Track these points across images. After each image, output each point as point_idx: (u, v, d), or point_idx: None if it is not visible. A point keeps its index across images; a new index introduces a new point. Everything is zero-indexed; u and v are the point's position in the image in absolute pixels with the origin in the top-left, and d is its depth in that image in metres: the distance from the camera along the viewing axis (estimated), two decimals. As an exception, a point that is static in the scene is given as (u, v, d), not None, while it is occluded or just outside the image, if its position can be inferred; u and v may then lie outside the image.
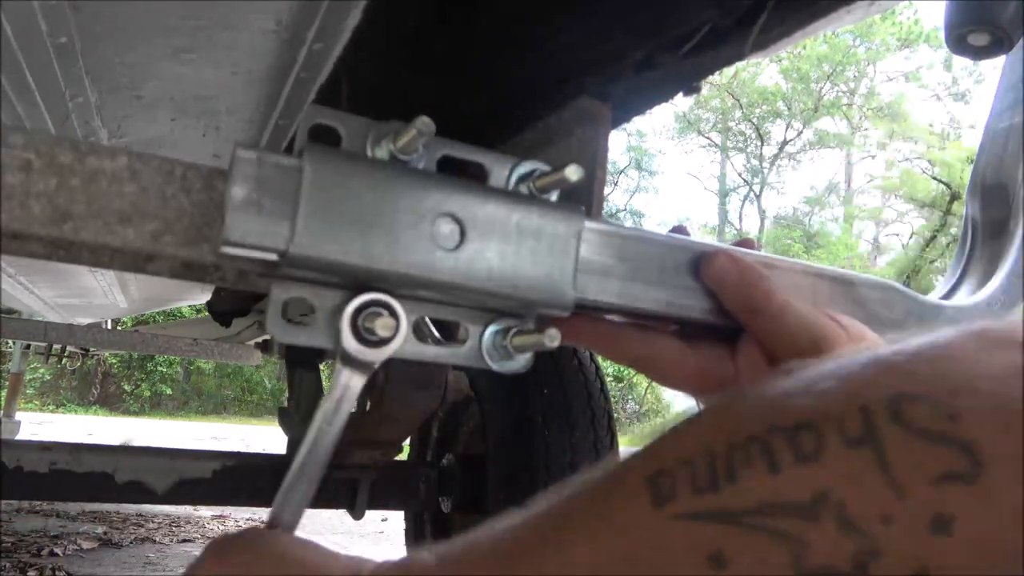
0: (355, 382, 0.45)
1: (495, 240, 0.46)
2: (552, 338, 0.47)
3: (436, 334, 0.51)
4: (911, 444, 0.27)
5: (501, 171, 0.51)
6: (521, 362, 0.51)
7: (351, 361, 0.44)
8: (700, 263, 0.52)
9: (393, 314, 0.44)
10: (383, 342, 0.44)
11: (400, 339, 0.44)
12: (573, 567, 0.29)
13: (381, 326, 0.43)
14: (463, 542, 0.33)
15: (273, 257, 0.42)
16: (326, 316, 0.45)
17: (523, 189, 0.51)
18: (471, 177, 0.48)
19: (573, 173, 0.48)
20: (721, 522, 0.27)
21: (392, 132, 0.46)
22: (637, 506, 0.29)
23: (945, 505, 0.26)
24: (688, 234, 0.57)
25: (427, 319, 0.50)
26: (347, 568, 0.37)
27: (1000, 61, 1.15)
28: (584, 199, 0.54)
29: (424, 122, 0.44)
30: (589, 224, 0.50)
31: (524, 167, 0.51)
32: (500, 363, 0.51)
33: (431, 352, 0.49)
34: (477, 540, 0.33)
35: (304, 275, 0.44)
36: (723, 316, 0.53)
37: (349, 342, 0.43)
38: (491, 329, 0.51)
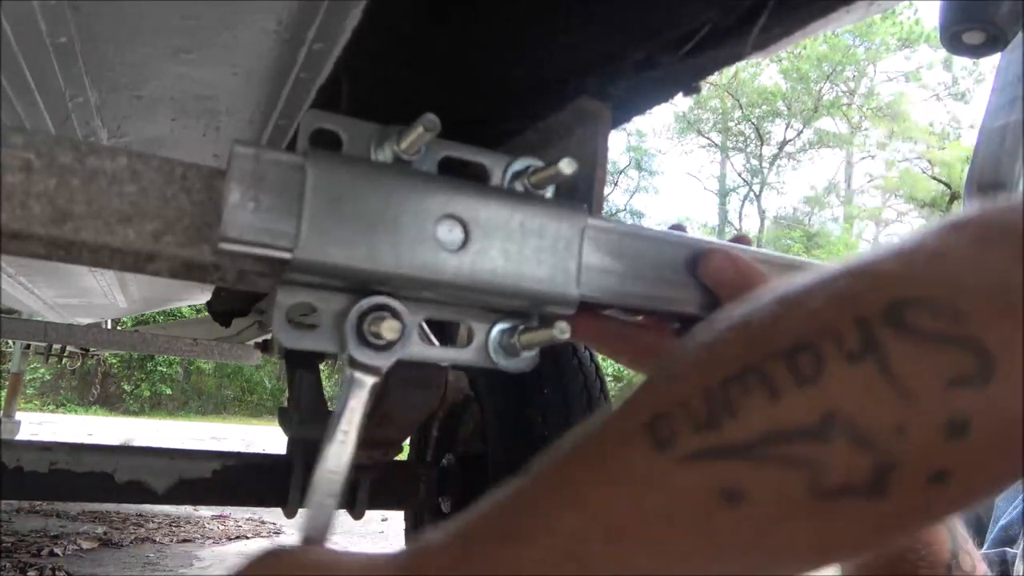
0: (365, 386, 0.44)
1: (499, 240, 0.46)
2: (562, 331, 0.48)
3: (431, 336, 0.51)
4: (916, 350, 0.26)
5: (499, 169, 0.51)
6: (528, 359, 0.51)
7: (359, 366, 0.44)
8: (697, 261, 0.53)
9: (397, 317, 0.44)
10: (389, 345, 0.44)
11: (406, 342, 0.44)
12: (585, 521, 0.29)
13: (387, 329, 0.43)
14: (471, 518, 0.33)
15: (273, 254, 0.42)
16: (331, 320, 0.45)
17: (519, 186, 0.51)
18: (467, 176, 0.48)
19: (567, 167, 0.48)
20: (728, 458, 0.27)
21: (395, 134, 0.46)
22: (639, 453, 0.29)
23: (958, 408, 0.25)
24: (685, 231, 0.57)
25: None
26: (362, 566, 0.36)
27: (997, 59, 1.16)
28: (584, 199, 0.55)
29: (429, 119, 0.44)
30: (591, 221, 0.50)
31: (519, 164, 0.51)
32: (507, 361, 0.51)
33: (438, 353, 0.49)
34: (484, 515, 0.32)
35: (309, 280, 0.44)
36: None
37: (355, 347, 0.43)
38: (498, 328, 0.51)
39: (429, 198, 0.45)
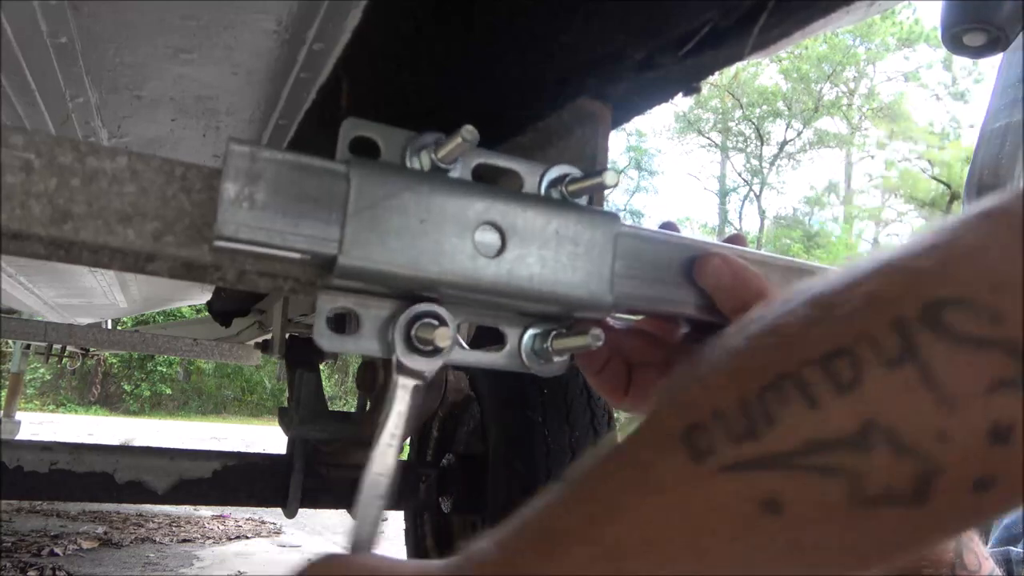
0: (409, 389, 0.45)
1: (535, 246, 0.47)
2: (597, 338, 0.48)
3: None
4: (955, 353, 0.25)
5: (533, 178, 0.51)
6: (560, 364, 0.52)
7: (405, 370, 0.45)
8: (695, 265, 0.53)
9: (444, 323, 0.44)
10: (437, 351, 0.44)
11: (453, 347, 0.45)
12: (625, 531, 0.29)
13: (440, 336, 0.43)
14: (515, 524, 0.33)
15: (273, 252, 0.42)
16: (374, 325, 0.45)
17: (554, 194, 0.51)
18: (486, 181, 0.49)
19: (611, 179, 0.49)
20: (768, 468, 0.27)
21: (431, 142, 0.46)
22: (677, 465, 0.29)
23: (1001, 414, 0.25)
24: (678, 230, 0.57)
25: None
26: (414, 573, 0.36)
27: (998, 60, 1.15)
28: (585, 199, 0.55)
29: (468, 131, 0.44)
30: (623, 228, 0.50)
31: (555, 172, 0.52)
32: (540, 366, 0.51)
33: (474, 358, 0.50)
34: (526, 517, 0.33)
35: (352, 285, 0.44)
36: None
37: (403, 353, 0.44)
38: (530, 332, 0.51)
39: (468, 205, 0.45)
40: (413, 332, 0.44)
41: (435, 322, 0.45)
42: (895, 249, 0.29)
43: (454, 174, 0.48)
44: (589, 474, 0.32)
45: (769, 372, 0.28)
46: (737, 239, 0.58)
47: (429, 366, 0.45)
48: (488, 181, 0.50)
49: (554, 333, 0.51)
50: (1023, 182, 1.05)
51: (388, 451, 0.44)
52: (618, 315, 0.57)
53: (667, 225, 0.58)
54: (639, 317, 0.60)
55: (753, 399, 0.28)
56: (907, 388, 0.25)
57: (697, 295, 0.53)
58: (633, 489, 0.30)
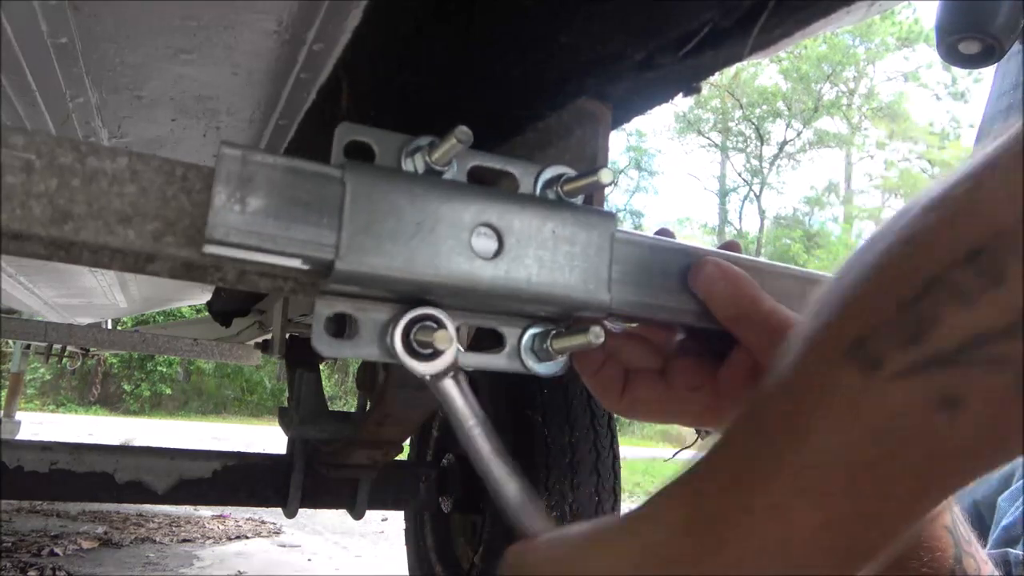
0: (449, 383, 0.45)
1: (532, 248, 0.47)
2: (597, 336, 0.48)
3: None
4: None
5: (529, 178, 0.51)
6: (560, 364, 0.52)
7: (413, 371, 0.45)
8: (689, 271, 0.53)
9: (443, 327, 0.44)
10: (437, 354, 0.44)
11: (453, 350, 0.45)
12: (812, 455, 0.29)
13: (439, 339, 0.43)
14: (698, 463, 0.34)
15: (264, 258, 0.42)
16: (372, 330, 0.46)
17: (550, 194, 0.51)
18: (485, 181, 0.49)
19: (606, 177, 0.49)
20: (939, 367, 0.28)
21: (425, 145, 0.46)
22: (852, 379, 0.29)
23: None
24: (673, 236, 0.57)
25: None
26: (602, 533, 0.36)
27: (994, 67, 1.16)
28: (585, 200, 0.55)
29: (462, 131, 0.44)
30: (619, 230, 0.50)
31: (550, 172, 0.52)
32: (540, 366, 0.51)
33: (473, 360, 0.50)
34: (708, 459, 0.33)
35: (349, 290, 0.44)
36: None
37: (404, 357, 0.44)
38: (530, 333, 0.51)
39: (464, 207, 0.45)
40: (412, 336, 0.44)
41: (434, 325, 0.45)
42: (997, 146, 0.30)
43: (449, 176, 0.48)
44: (760, 405, 0.33)
45: (918, 277, 0.29)
46: (732, 246, 0.58)
47: (427, 369, 0.45)
48: (485, 183, 0.50)
49: (553, 333, 0.51)
50: None
51: (479, 439, 0.45)
52: (614, 320, 0.57)
53: (663, 232, 0.58)
54: (634, 324, 0.60)
55: (909, 305, 0.29)
56: None
57: (691, 301, 0.53)
58: (812, 413, 0.30)
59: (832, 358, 0.30)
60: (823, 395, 0.30)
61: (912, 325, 0.28)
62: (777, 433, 0.31)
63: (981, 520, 1.20)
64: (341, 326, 0.47)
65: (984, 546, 1.13)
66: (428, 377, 0.45)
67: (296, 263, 0.43)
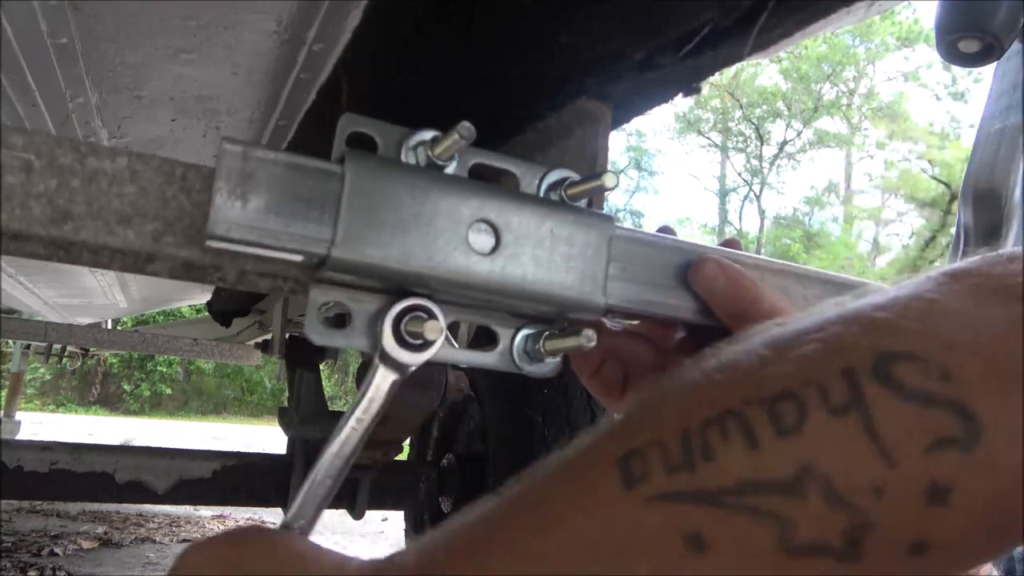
0: (388, 383, 0.45)
1: (529, 246, 0.47)
2: (589, 339, 0.48)
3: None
4: (901, 408, 0.25)
5: (531, 179, 0.51)
6: (552, 365, 0.51)
7: (389, 361, 0.44)
8: (689, 269, 0.53)
9: (435, 318, 0.44)
10: (424, 345, 0.44)
11: (441, 343, 0.44)
12: (553, 546, 0.28)
13: (429, 329, 0.43)
14: (441, 533, 0.32)
15: (265, 252, 0.42)
16: (364, 319, 0.45)
17: (553, 197, 0.51)
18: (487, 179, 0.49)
19: (610, 181, 0.49)
20: (697, 503, 0.26)
21: (428, 139, 0.46)
22: (607, 488, 0.28)
23: (940, 473, 0.24)
24: (674, 234, 0.57)
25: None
26: (334, 566, 0.35)
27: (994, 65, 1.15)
28: (584, 201, 0.55)
29: (465, 127, 0.44)
30: (618, 230, 0.50)
31: (553, 175, 0.52)
32: (532, 367, 0.51)
33: (464, 356, 0.50)
34: (454, 530, 0.32)
35: (344, 279, 0.44)
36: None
37: (391, 345, 0.44)
38: (523, 333, 0.51)
39: (462, 202, 0.45)
40: (403, 325, 0.44)
41: (424, 315, 0.44)
42: (857, 299, 0.29)
43: (450, 171, 0.48)
44: (526, 486, 0.31)
45: (716, 406, 0.28)
46: (732, 243, 0.58)
47: (414, 360, 0.44)
48: (487, 181, 0.50)
49: (546, 334, 0.51)
50: (1019, 186, 1.05)
51: (352, 434, 0.43)
52: (614, 318, 0.57)
53: (664, 230, 0.58)
54: (635, 321, 0.60)
55: (694, 432, 0.27)
56: (848, 438, 0.25)
57: (692, 299, 0.53)
58: (565, 506, 0.29)
59: (602, 462, 0.29)
60: (579, 492, 0.29)
61: (687, 452, 0.27)
62: (524, 514, 0.30)
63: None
64: (336, 317, 0.47)
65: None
66: (409, 368, 0.44)
67: (297, 258, 0.43)
